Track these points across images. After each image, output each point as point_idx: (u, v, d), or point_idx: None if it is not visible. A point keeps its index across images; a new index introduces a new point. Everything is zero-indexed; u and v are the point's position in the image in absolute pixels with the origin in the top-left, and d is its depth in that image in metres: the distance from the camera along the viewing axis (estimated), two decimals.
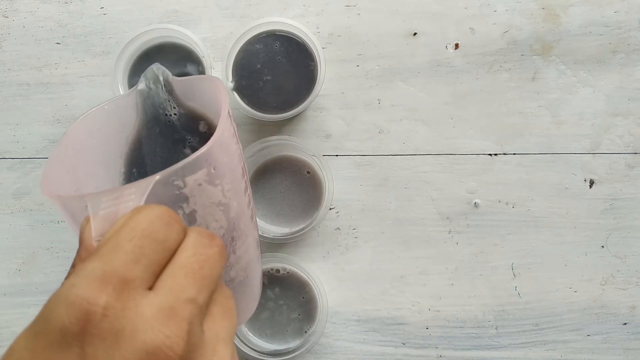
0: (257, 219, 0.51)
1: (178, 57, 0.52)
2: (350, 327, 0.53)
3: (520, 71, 0.53)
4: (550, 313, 0.52)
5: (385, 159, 0.54)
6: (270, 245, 0.53)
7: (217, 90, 0.36)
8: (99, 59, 0.55)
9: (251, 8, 0.55)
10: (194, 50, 0.51)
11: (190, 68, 0.52)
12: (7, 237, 0.54)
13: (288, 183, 0.52)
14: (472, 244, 0.53)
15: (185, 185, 0.30)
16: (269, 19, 0.51)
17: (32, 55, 0.55)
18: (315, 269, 0.53)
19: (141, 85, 0.42)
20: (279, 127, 0.54)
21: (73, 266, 0.28)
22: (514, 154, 0.53)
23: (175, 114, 0.44)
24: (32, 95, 0.55)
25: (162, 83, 0.43)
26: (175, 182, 0.30)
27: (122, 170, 0.44)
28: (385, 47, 0.54)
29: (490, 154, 0.53)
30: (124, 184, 0.43)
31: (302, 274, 0.51)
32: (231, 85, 0.51)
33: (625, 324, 0.52)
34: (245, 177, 0.37)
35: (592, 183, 0.53)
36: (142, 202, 0.28)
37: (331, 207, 0.53)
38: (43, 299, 0.53)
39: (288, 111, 0.50)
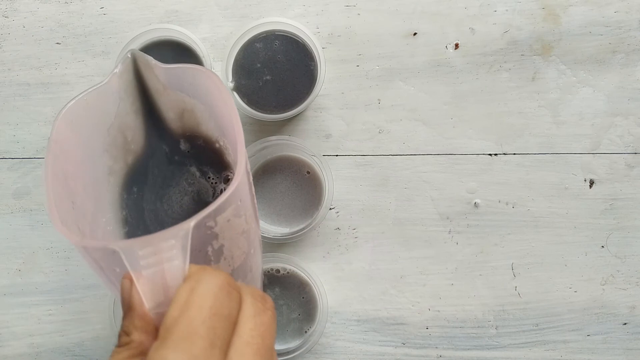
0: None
1: (177, 56, 0.52)
2: (350, 327, 0.53)
3: (520, 71, 0.53)
4: (550, 313, 0.52)
5: (385, 159, 0.54)
6: (271, 245, 0.53)
7: (226, 107, 0.35)
8: (99, 59, 0.55)
9: (251, 8, 0.55)
10: (194, 49, 0.51)
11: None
12: (7, 237, 0.54)
13: (288, 183, 0.52)
14: (472, 244, 0.53)
15: (216, 225, 0.30)
16: (269, 19, 0.51)
17: (32, 55, 0.55)
18: (315, 269, 0.53)
19: (118, 68, 0.40)
20: (279, 127, 0.54)
21: (126, 334, 0.28)
22: (514, 154, 0.53)
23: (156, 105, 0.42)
24: (32, 95, 0.55)
25: (139, 69, 0.41)
26: (208, 224, 0.30)
27: (110, 166, 0.42)
28: (385, 47, 0.54)
29: (490, 154, 0.53)
30: (116, 192, 0.42)
31: (302, 274, 0.51)
32: (231, 85, 0.51)
33: (625, 324, 0.52)
34: (252, 186, 0.37)
35: (592, 183, 0.53)
36: (187, 260, 0.27)
37: (331, 207, 0.53)
38: (43, 299, 0.53)
39: (288, 111, 0.50)
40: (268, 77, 0.51)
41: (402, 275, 0.53)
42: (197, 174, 0.44)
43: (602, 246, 0.53)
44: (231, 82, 0.51)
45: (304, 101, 0.50)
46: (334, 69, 0.54)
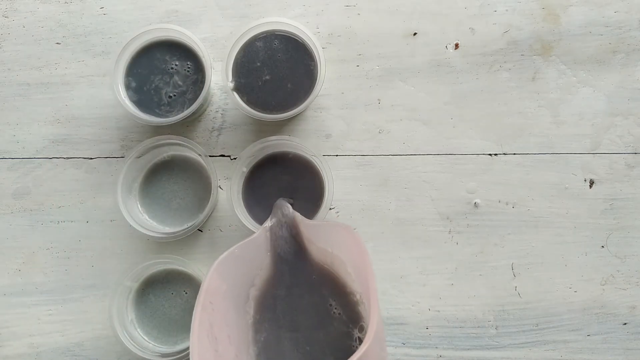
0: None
1: (175, 55, 0.52)
2: None
3: (520, 71, 0.53)
4: (550, 313, 0.52)
5: (385, 159, 0.54)
6: None
7: (363, 262, 0.37)
8: (99, 59, 0.55)
9: (251, 8, 0.55)
10: (194, 49, 0.51)
11: (190, 64, 0.52)
12: (7, 237, 0.54)
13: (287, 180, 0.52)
14: (472, 244, 0.53)
15: None
16: (269, 19, 0.51)
17: (32, 55, 0.55)
18: None
19: (271, 222, 0.44)
20: (279, 127, 0.54)
21: None
22: (514, 154, 0.53)
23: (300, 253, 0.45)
24: (32, 95, 0.55)
25: (289, 222, 0.44)
26: None
27: (253, 315, 0.44)
28: (385, 47, 0.54)
29: (490, 154, 0.53)
30: (256, 333, 0.44)
31: None
32: (231, 85, 0.51)
33: (625, 324, 0.52)
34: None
35: (592, 183, 0.53)
36: None
37: (331, 207, 0.53)
38: (43, 299, 0.53)
39: (288, 111, 0.50)
40: (268, 77, 0.51)
41: (402, 275, 0.53)
42: (342, 326, 0.45)
43: (602, 246, 0.53)
44: (231, 81, 0.51)
45: (304, 101, 0.50)
46: (334, 69, 0.54)
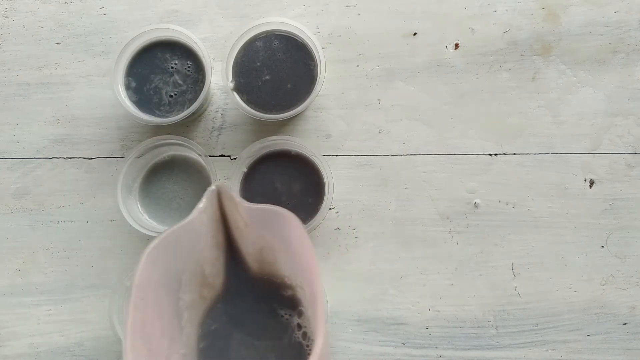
0: None
1: (175, 55, 0.52)
2: (350, 327, 0.53)
3: (520, 71, 0.53)
4: (550, 313, 0.52)
5: (385, 159, 0.54)
6: None
7: (307, 259, 0.37)
8: (99, 59, 0.55)
9: (251, 8, 0.55)
10: (194, 49, 0.51)
11: (190, 64, 0.52)
12: (7, 237, 0.54)
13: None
14: (472, 244, 0.53)
15: None
16: (269, 19, 0.51)
17: (32, 55, 0.55)
18: None
19: (202, 203, 0.41)
20: (279, 127, 0.54)
21: None
22: (514, 154, 0.53)
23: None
24: (32, 95, 0.55)
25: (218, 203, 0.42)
26: None
27: (187, 300, 0.43)
28: (385, 47, 0.54)
29: (490, 154, 0.53)
30: (194, 325, 0.43)
31: None
32: (231, 85, 0.51)
33: (625, 324, 0.52)
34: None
35: (592, 183, 0.53)
36: None
37: (331, 207, 0.53)
38: (43, 299, 0.53)
39: (288, 111, 0.50)
40: (268, 77, 0.51)
41: (402, 275, 0.53)
42: (272, 308, 0.45)
43: (602, 246, 0.53)
44: (231, 81, 0.51)
45: (304, 101, 0.50)
46: (334, 69, 0.54)
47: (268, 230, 0.42)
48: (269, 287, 0.45)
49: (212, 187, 0.41)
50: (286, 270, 0.44)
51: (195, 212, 0.40)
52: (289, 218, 0.39)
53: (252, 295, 0.45)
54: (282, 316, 0.45)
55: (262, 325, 0.44)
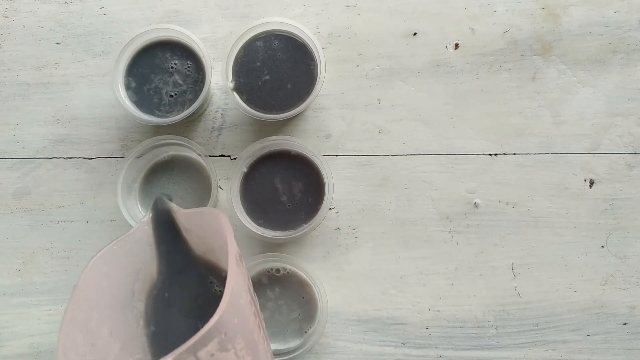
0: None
1: (175, 55, 0.52)
2: (350, 327, 0.53)
3: (520, 71, 0.53)
4: (550, 313, 0.52)
5: (385, 159, 0.54)
6: (270, 245, 0.53)
7: (224, 237, 0.38)
8: (99, 59, 0.55)
9: (251, 8, 0.55)
10: (194, 49, 0.51)
11: (190, 64, 0.52)
12: (7, 237, 0.54)
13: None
14: (472, 244, 0.53)
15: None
16: (269, 19, 0.51)
17: (32, 55, 0.55)
18: (315, 269, 0.53)
19: (146, 217, 0.44)
20: (279, 127, 0.54)
21: None
22: (514, 154, 0.53)
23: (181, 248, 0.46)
24: (32, 95, 0.55)
25: (164, 215, 0.45)
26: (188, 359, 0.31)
27: (142, 308, 0.45)
28: (385, 47, 0.54)
29: (490, 154, 0.53)
30: (145, 327, 0.44)
31: (302, 274, 0.51)
32: (231, 85, 0.51)
33: (625, 324, 0.52)
34: (258, 316, 0.38)
35: (592, 183, 0.53)
36: None
37: (331, 207, 0.53)
38: (43, 299, 0.53)
39: (288, 111, 0.50)
40: (268, 77, 0.51)
41: (402, 275, 0.53)
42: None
43: (602, 246, 0.53)
44: (231, 81, 0.51)
45: (304, 101, 0.50)
46: (334, 69, 0.54)
47: (203, 232, 0.44)
48: (209, 269, 0.47)
49: (155, 200, 0.45)
50: (223, 260, 0.45)
51: (138, 225, 0.44)
52: (212, 215, 0.41)
53: (192, 275, 0.47)
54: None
55: (200, 304, 0.46)
